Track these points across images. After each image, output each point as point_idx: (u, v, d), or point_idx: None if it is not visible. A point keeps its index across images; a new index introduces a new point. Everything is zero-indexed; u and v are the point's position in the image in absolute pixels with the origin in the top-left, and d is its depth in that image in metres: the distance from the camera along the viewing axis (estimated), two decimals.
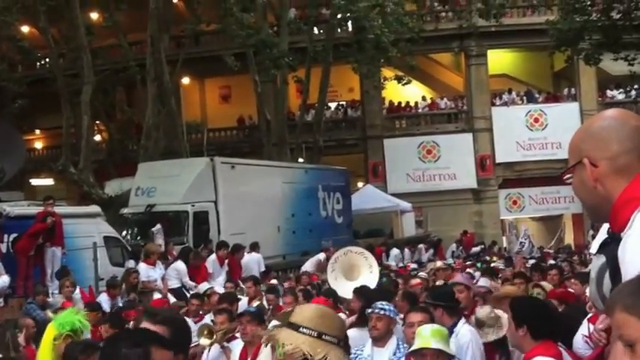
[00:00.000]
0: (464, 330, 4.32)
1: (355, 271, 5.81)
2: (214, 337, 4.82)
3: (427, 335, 3.54)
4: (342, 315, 6.11)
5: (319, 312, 1.92)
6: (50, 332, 2.50)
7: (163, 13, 18.09)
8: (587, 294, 4.33)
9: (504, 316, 4.44)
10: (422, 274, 8.73)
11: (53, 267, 9.65)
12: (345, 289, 5.71)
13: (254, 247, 12.57)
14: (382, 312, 4.42)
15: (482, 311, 4.52)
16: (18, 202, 10.56)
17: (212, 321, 5.37)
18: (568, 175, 1.61)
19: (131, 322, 5.77)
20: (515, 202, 25.68)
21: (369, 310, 4.46)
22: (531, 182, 24.91)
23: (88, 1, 19.49)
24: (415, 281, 6.09)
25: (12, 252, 9.27)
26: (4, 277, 8.03)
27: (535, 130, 25.43)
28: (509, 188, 25.66)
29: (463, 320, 4.44)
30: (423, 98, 26.80)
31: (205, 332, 4.88)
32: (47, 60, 22.88)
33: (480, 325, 4.39)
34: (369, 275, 5.58)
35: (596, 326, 3.32)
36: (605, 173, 1.51)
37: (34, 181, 24.64)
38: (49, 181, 24.09)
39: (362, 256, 5.85)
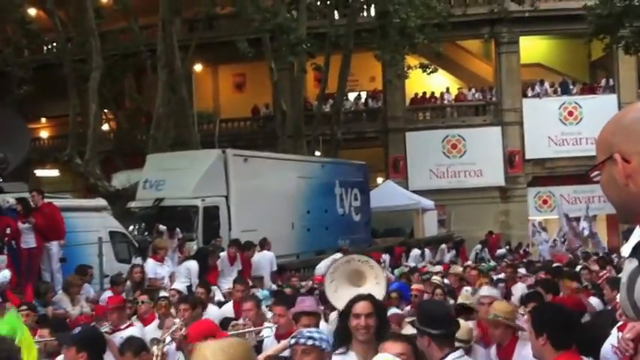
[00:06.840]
0: None
1: (361, 278, 5.43)
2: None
3: None
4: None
5: None
6: None
7: None
8: (618, 300, 4.31)
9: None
10: (435, 278, 8.58)
11: (50, 263, 9.85)
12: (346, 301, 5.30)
13: (264, 244, 12.58)
14: (310, 342, 3.30)
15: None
16: (20, 193, 10.71)
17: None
18: (596, 172, 1.58)
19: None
20: (545, 202, 25.43)
21: (292, 341, 3.38)
22: (563, 180, 24.62)
23: None
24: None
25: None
26: (5, 271, 8.19)
27: (569, 124, 25.14)
28: (540, 186, 25.43)
29: (458, 353, 3.45)
30: (447, 90, 26.58)
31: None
32: (54, 44, 23.14)
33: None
34: (375, 287, 5.23)
35: (624, 334, 3.28)
36: (638, 169, 1.47)
37: (39, 172, 24.95)
38: (54, 172, 24.41)
39: (367, 264, 5.49)
